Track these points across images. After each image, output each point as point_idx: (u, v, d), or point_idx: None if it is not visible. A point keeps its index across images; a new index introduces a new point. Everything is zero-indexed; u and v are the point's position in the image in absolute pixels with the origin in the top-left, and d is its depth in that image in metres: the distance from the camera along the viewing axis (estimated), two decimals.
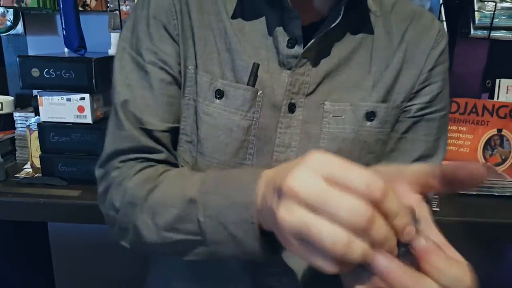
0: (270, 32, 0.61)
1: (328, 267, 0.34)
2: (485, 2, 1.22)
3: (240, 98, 0.60)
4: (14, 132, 1.43)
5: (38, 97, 1.22)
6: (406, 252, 0.34)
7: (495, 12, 1.22)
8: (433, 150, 0.67)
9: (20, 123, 1.42)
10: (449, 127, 1.41)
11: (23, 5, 1.25)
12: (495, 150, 1.43)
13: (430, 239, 0.35)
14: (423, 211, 0.38)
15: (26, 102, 1.52)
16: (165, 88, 0.62)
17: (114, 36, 1.35)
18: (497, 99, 1.44)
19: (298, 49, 0.59)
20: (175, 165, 0.64)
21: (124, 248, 0.60)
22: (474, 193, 1.27)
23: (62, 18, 1.25)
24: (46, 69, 1.17)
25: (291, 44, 0.60)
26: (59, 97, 1.21)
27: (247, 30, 0.61)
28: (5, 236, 1.64)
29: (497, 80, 1.44)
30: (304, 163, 0.35)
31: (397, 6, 0.66)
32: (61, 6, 1.23)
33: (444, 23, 1.24)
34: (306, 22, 0.60)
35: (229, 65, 0.61)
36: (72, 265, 1.73)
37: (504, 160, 1.43)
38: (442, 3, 1.23)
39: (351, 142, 0.62)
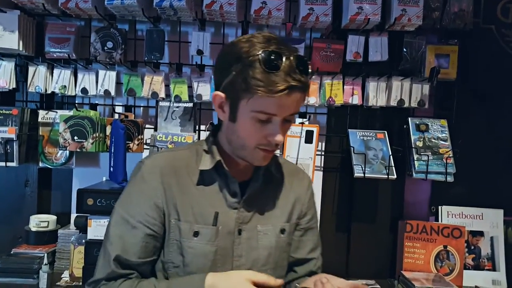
0: (221, 190, 1.00)
1: None
2: (421, 155, 1.71)
3: (209, 234, 0.97)
4: (55, 246, 1.73)
5: (88, 220, 1.56)
6: None
7: (429, 161, 1.71)
8: (317, 244, 1.13)
9: (62, 239, 1.73)
10: (406, 243, 1.80)
11: (84, 150, 1.66)
12: (444, 263, 1.81)
13: None
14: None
15: (64, 220, 1.85)
16: (145, 240, 0.95)
17: None
18: (441, 221, 1.87)
19: (238, 199, 1.00)
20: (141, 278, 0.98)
21: None
22: None
23: (112, 159, 1.65)
24: (99, 199, 1.54)
25: (233, 196, 1.00)
26: (105, 220, 1.55)
27: (207, 191, 0.99)
28: None
29: (440, 207, 1.88)
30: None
31: (284, 165, 1.12)
32: (112, 150, 1.65)
33: (393, 167, 1.71)
34: (242, 179, 1.01)
35: (199, 215, 0.97)
36: None
37: (451, 271, 1.80)
38: (390, 155, 1.72)
39: (275, 248, 1.03)
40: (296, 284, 0.86)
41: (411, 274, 1.74)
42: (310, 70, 0.90)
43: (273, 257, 1.03)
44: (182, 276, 0.96)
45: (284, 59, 0.84)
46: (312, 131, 1.78)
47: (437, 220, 1.88)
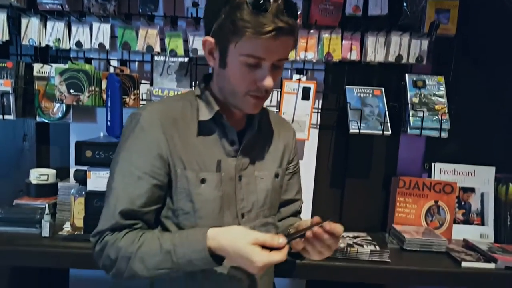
0: (220, 139, 1.03)
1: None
2: (416, 111, 1.72)
3: (215, 180, 1.01)
4: (56, 198, 1.76)
5: (87, 172, 1.59)
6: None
7: (424, 117, 1.72)
8: (300, 187, 1.26)
9: (62, 191, 1.76)
10: (398, 198, 1.85)
11: (80, 104, 1.66)
12: (434, 217, 1.86)
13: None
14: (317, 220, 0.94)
15: (63, 173, 1.88)
16: (151, 190, 0.97)
17: None
18: (433, 178, 1.90)
19: (236, 147, 1.04)
20: (147, 228, 0.99)
21: None
22: (418, 249, 1.66)
23: (108, 113, 1.66)
24: (97, 151, 1.56)
25: (231, 144, 1.04)
26: (104, 172, 1.58)
27: (207, 141, 1.02)
28: (29, 285, 1.92)
29: (433, 164, 1.91)
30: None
31: (271, 116, 1.18)
32: (109, 104, 1.65)
33: (389, 123, 1.72)
34: (238, 129, 1.05)
35: (202, 163, 1.01)
36: None
37: (441, 225, 1.86)
38: (386, 110, 1.72)
39: (271, 190, 1.11)
40: (290, 231, 0.96)
41: (401, 227, 1.80)
42: (298, 13, 0.92)
43: (269, 198, 1.10)
44: (193, 221, 1.00)
45: (272, 1, 0.85)
46: (309, 88, 1.78)
47: (429, 176, 1.92)
